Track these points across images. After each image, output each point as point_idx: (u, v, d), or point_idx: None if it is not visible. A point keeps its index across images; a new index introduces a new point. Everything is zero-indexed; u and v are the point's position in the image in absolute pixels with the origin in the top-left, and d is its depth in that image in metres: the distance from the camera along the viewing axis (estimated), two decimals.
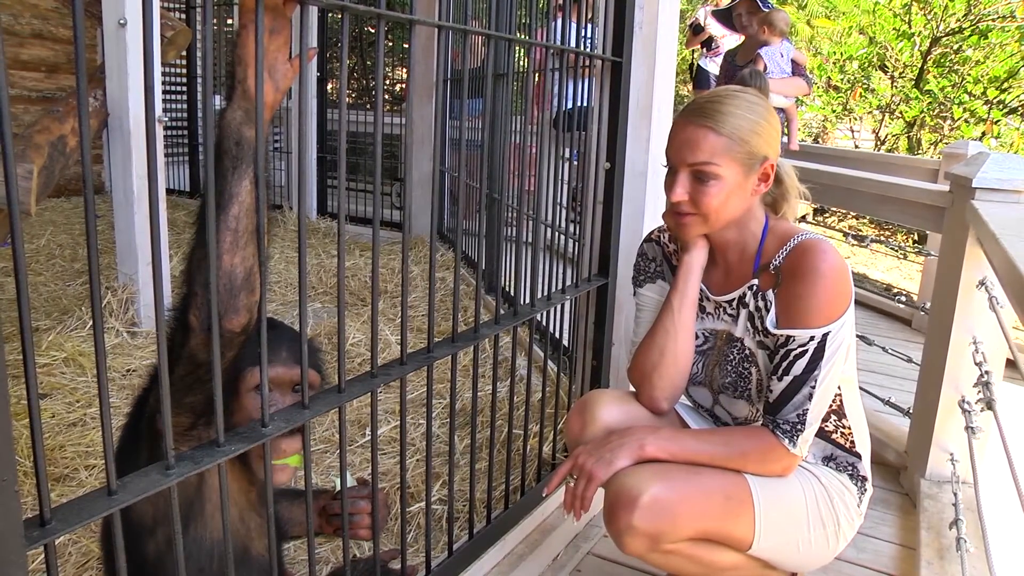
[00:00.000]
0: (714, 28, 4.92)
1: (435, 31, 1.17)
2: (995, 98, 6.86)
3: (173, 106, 5.80)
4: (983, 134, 6.72)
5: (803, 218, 6.95)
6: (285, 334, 1.10)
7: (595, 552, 1.78)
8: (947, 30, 7.20)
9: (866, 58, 7.87)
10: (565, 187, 2.55)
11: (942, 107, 7.13)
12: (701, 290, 1.43)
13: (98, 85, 2.67)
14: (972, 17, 7.05)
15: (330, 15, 5.23)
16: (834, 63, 8.13)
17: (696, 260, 1.41)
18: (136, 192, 2.78)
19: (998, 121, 6.73)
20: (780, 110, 3.85)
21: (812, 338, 1.24)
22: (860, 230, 7.39)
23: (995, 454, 1.74)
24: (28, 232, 4.05)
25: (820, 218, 7.76)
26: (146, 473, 0.79)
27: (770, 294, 1.32)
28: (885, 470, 2.26)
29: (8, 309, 2.92)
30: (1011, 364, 2.18)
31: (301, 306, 0.95)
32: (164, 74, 5.43)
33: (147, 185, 0.76)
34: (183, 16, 5.58)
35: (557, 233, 2.46)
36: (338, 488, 1.20)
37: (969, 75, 7.02)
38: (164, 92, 5.51)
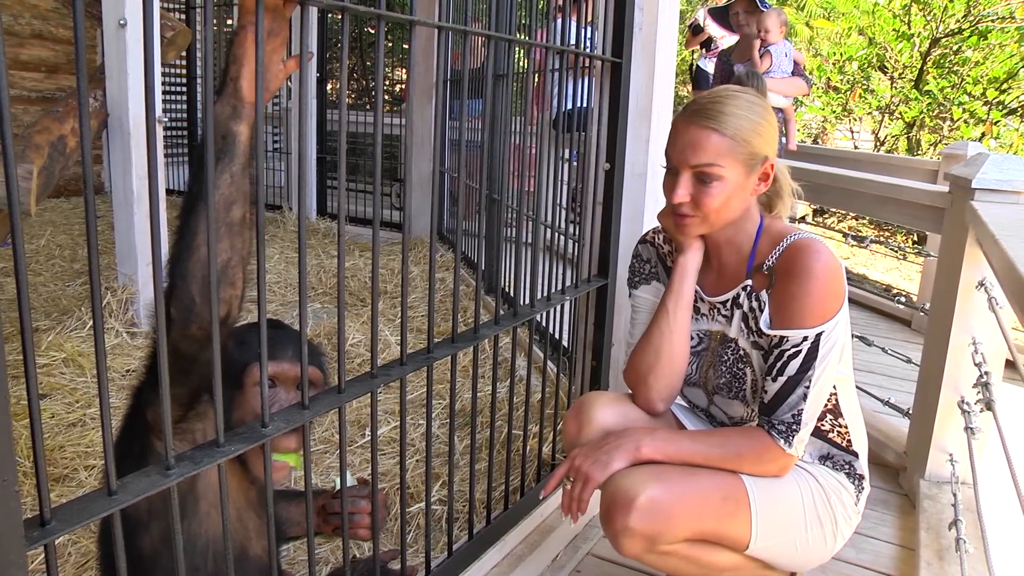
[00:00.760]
0: (713, 29, 4.92)
1: (435, 32, 1.17)
2: (994, 99, 6.86)
3: (173, 107, 5.80)
4: (982, 135, 6.73)
5: (803, 219, 6.95)
6: (291, 334, 1.12)
7: (594, 553, 1.78)
8: (946, 31, 7.20)
9: (865, 59, 7.88)
10: (565, 188, 2.55)
11: (941, 108, 7.13)
12: (696, 291, 1.43)
13: (98, 85, 2.67)
14: (972, 18, 7.05)
15: (330, 16, 5.23)
16: (833, 64, 8.14)
17: (691, 261, 1.41)
18: (136, 192, 2.78)
19: (997, 122, 6.73)
20: (778, 110, 3.85)
21: (805, 338, 1.24)
22: (860, 231, 7.39)
23: (994, 455, 1.74)
24: (28, 232, 4.05)
25: (820, 219, 7.76)
26: (146, 473, 0.79)
27: (764, 295, 1.32)
28: (885, 471, 2.26)
29: (8, 309, 2.92)
30: (1010, 365, 2.19)
31: (301, 306, 0.95)
32: (164, 74, 5.44)
33: (147, 185, 0.77)
34: (183, 17, 5.58)
35: (557, 234, 2.46)
36: (337, 487, 1.20)
37: (968, 76, 7.02)
38: (164, 93, 5.51)
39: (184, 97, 5.85)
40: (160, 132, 3.09)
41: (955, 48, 7.26)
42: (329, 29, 5.40)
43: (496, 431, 1.68)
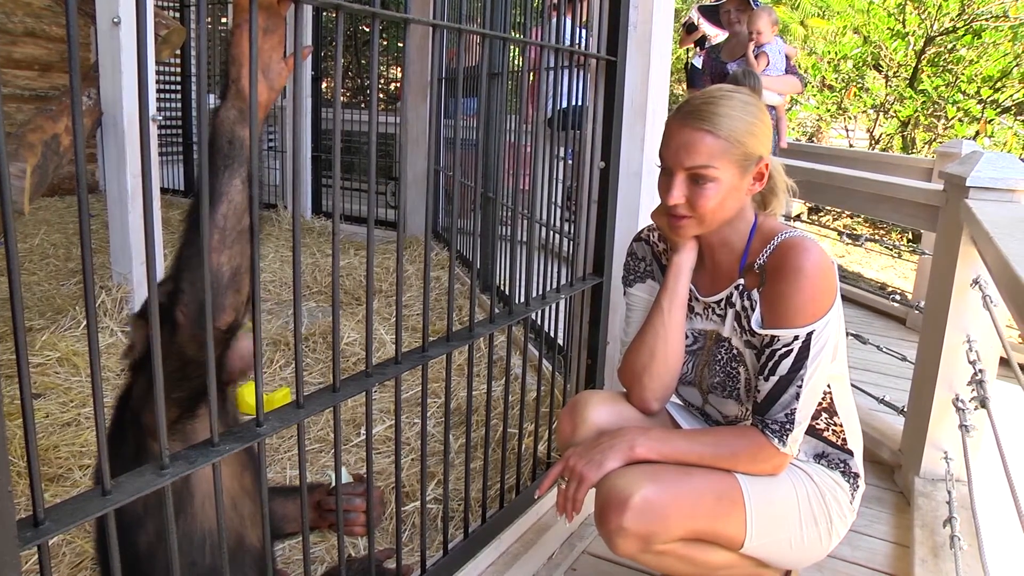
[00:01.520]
0: (708, 27, 4.93)
1: (430, 30, 1.16)
2: (989, 97, 6.88)
3: (167, 105, 5.78)
4: (977, 133, 6.74)
5: (798, 217, 6.96)
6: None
7: (590, 551, 1.78)
8: (941, 29, 7.22)
9: (860, 57, 7.89)
10: (560, 186, 2.55)
11: (936, 106, 7.15)
12: (690, 291, 1.43)
13: (92, 84, 2.66)
14: (966, 17, 7.07)
15: (324, 14, 5.22)
16: (828, 62, 8.14)
17: (686, 261, 1.41)
18: (130, 191, 2.77)
19: (992, 120, 6.74)
20: (771, 108, 3.85)
21: (796, 338, 1.24)
22: (855, 229, 7.40)
23: (989, 452, 1.75)
24: (22, 231, 4.03)
25: (815, 217, 7.78)
26: (140, 473, 0.78)
27: (755, 293, 1.32)
28: (879, 468, 2.27)
29: (1, 309, 2.90)
30: (1004, 362, 2.20)
31: (296, 305, 0.95)
32: (158, 73, 5.41)
33: (141, 184, 0.76)
34: (177, 14, 5.57)
35: (552, 232, 2.46)
36: (333, 483, 1.20)
37: (963, 74, 7.04)
38: (158, 91, 5.50)
39: (178, 96, 5.83)
40: (154, 130, 3.07)
41: (949, 47, 7.27)
42: (324, 27, 5.39)
43: (491, 429, 1.68)
